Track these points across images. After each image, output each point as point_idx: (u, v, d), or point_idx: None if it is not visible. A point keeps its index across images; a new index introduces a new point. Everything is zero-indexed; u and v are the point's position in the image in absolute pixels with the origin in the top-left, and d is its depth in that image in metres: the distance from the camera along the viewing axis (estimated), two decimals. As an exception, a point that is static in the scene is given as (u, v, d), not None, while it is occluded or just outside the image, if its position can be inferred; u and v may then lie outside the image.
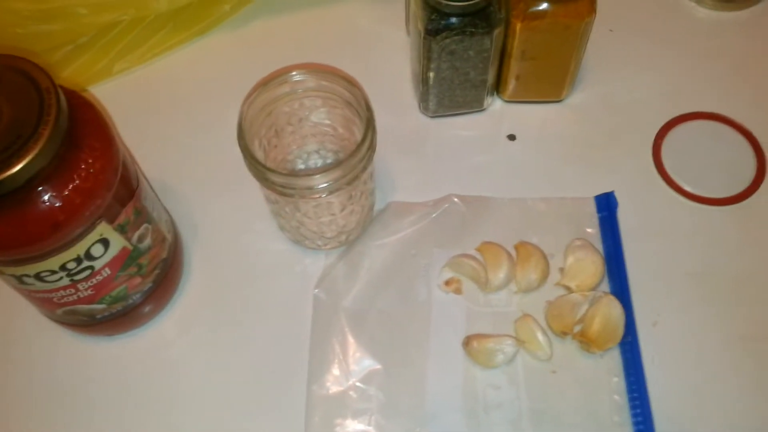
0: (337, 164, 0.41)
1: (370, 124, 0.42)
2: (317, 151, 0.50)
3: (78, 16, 0.51)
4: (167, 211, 0.47)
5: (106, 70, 0.56)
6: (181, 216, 0.50)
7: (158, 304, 0.46)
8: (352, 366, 0.45)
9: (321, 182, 0.41)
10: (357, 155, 0.41)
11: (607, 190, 0.50)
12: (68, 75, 0.55)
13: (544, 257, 0.48)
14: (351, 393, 0.44)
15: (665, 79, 0.56)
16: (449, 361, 0.45)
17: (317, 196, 0.41)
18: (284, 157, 0.49)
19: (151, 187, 0.45)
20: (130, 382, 0.46)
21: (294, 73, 0.43)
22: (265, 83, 0.43)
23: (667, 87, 0.55)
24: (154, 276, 0.44)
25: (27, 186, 0.33)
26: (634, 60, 0.57)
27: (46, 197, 0.34)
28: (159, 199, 0.47)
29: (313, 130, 0.48)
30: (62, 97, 0.34)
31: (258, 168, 0.41)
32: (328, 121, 0.48)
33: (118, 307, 0.43)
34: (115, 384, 0.45)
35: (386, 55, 0.57)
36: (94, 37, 0.54)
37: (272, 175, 0.40)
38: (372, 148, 0.43)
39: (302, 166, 0.51)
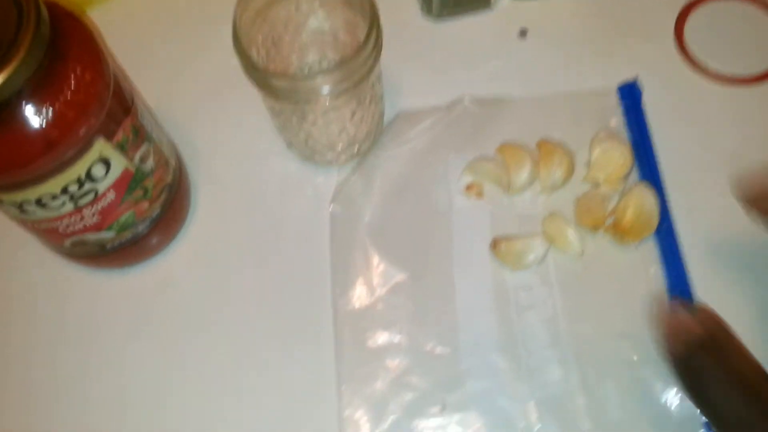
0: (341, 64, 0.38)
1: (374, 20, 0.39)
2: (319, 62, 0.47)
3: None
4: (168, 135, 0.45)
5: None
6: (184, 142, 0.48)
7: (167, 233, 0.44)
8: (377, 279, 0.43)
9: (325, 83, 0.38)
10: (362, 54, 0.38)
11: (630, 79, 0.48)
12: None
13: (568, 153, 0.45)
14: (379, 306, 0.42)
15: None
16: (476, 266, 0.43)
17: (323, 99, 0.39)
18: (284, 70, 0.46)
19: (148, 110, 0.43)
20: (143, 314, 0.44)
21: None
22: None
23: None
24: (161, 201, 0.42)
25: (13, 102, 0.31)
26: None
27: (36, 113, 0.32)
28: (158, 123, 0.45)
29: (313, 38, 0.46)
30: (42, 5, 0.32)
31: (257, 73, 0.38)
32: (327, 26, 0.45)
33: (128, 235, 0.41)
34: (127, 317, 0.44)
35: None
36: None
37: (274, 80, 0.38)
38: (378, 46, 0.40)
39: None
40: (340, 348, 0.41)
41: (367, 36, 0.39)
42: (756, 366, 0.30)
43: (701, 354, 0.30)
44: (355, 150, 0.46)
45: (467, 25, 0.51)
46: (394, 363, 0.41)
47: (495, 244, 0.43)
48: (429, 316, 0.42)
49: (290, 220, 0.46)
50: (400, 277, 0.43)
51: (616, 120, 0.47)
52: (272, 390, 0.41)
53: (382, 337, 0.41)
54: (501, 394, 0.40)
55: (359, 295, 0.42)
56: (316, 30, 0.45)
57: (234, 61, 0.39)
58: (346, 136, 0.44)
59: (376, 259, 0.43)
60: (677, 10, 0.50)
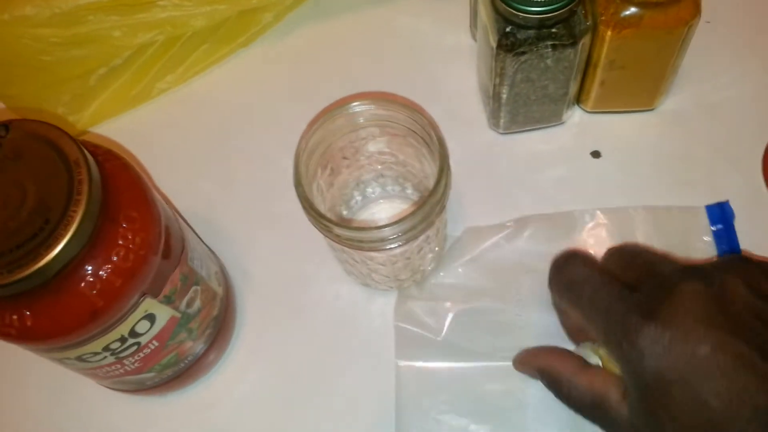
0: (412, 213, 0.35)
1: (444, 161, 0.36)
2: (375, 179, 0.45)
3: (110, 38, 0.47)
4: (216, 259, 0.43)
5: (145, 92, 0.51)
6: (230, 255, 0.46)
7: (211, 363, 0.42)
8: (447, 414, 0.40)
9: (394, 233, 0.36)
10: (433, 198, 0.36)
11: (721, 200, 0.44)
12: (106, 99, 0.51)
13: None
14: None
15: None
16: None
17: (390, 247, 0.37)
18: (341, 191, 0.44)
19: (196, 235, 0.41)
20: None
21: (353, 104, 0.38)
22: (316, 121, 0.38)
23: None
24: (206, 336, 0.40)
25: (58, 273, 0.29)
26: (738, 53, 0.49)
27: (81, 283, 0.30)
28: (207, 246, 0.43)
29: (370, 159, 0.43)
30: (94, 169, 0.30)
31: (322, 222, 0.36)
32: (387, 150, 0.42)
33: (169, 372, 0.39)
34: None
35: (449, 62, 0.51)
36: (130, 58, 0.49)
37: (339, 230, 0.35)
38: (448, 186, 0.37)
39: (359, 197, 0.46)
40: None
41: (438, 180, 0.36)
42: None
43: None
44: (419, 277, 0.43)
45: (536, 140, 0.48)
46: None
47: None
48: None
49: (350, 344, 0.43)
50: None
51: (706, 241, 0.43)
52: None
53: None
54: None
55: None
56: (374, 152, 0.43)
57: (289, 175, 0.37)
58: (411, 268, 0.41)
59: (448, 415, 0.41)
60: (767, 138, 0.47)
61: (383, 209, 0.46)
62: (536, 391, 0.40)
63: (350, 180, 0.44)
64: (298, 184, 0.36)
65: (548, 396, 0.37)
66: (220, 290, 0.41)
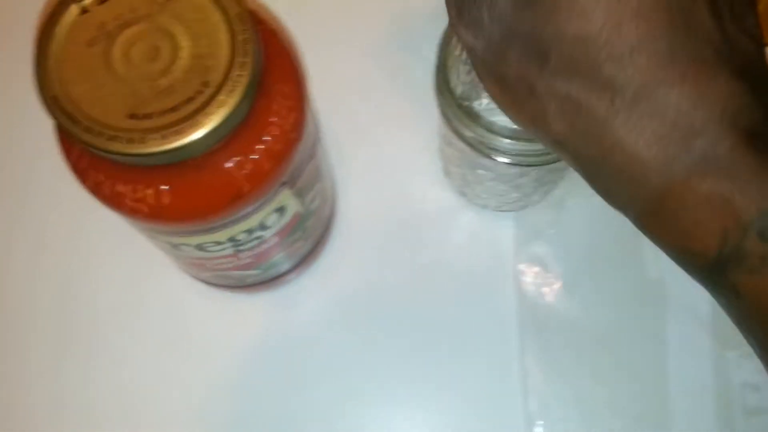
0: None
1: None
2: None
3: None
4: (327, 157, 0.39)
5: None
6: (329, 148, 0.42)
7: (306, 266, 0.39)
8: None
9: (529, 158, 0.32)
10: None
11: None
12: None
13: None
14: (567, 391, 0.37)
15: None
16: (693, 355, 0.38)
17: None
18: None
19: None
20: (264, 342, 0.39)
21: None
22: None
23: None
24: (314, 238, 0.36)
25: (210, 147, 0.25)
26: None
27: (229, 163, 0.26)
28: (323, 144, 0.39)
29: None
30: (255, 30, 0.25)
31: (459, 113, 0.31)
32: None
33: (272, 272, 0.36)
34: (248, 343, 0.39)
35: None
36: None
37: (483, 133, 0.31)
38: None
39: (485, 101, 0.41)
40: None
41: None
42: None
43: None
44: (523, 203, 0.40)
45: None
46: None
47: None
48: (631, 407, 0.37)
49: (449, 260, 0.40)
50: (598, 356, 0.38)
51: None
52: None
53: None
54: None
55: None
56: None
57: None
58: (520, 194, 0.38)
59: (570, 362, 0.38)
60: None
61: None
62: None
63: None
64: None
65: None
66: (331, 190, 0.37)
